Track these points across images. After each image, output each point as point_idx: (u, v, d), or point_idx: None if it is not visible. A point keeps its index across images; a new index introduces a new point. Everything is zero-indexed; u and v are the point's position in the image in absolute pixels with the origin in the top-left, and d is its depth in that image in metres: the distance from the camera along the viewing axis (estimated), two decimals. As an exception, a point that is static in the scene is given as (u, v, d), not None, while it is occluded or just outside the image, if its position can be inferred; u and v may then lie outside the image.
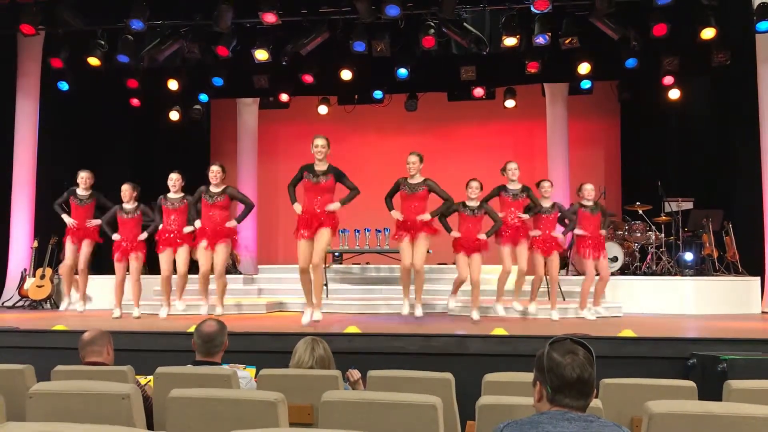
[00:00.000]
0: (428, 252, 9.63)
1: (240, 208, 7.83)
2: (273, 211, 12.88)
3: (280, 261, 12.48)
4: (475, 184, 7.48)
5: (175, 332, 6.15)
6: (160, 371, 3.62)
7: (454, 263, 7.84)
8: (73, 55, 9.83)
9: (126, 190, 8.02)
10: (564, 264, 10.22)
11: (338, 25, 9.50)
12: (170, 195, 7.89)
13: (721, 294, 8.79)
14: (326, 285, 9.65)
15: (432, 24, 9.19)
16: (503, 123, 13.24)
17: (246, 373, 3.99)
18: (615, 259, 9.37)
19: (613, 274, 8.83)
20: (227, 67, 10.67)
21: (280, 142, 13.68)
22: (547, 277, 7.89)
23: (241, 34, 9.61)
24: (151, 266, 8.99)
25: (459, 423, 3.53)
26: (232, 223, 7.54)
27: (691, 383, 3.58)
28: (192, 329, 4.07)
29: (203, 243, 7.47)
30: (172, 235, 7.76)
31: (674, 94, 11.11)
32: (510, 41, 9.12)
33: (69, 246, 8.23)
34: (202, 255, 7.50)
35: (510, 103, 12.46)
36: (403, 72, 10.44)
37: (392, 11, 8.53)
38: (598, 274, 7.85)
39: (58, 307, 9.36)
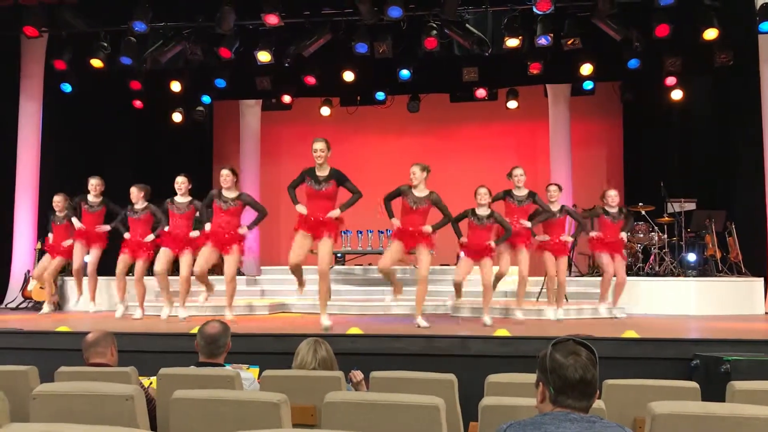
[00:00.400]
0: (431, 253, 9.67)
1: (251, 214, 7.72)
2: (276, 212, 12.84)
3: (283, 262, 12.39)
4: (483, 191, 7.27)
5: (178, 333, 6.16)
6: (164, 372, 3.63)
7: (455, 264, 7.78)
8: (76, 56, 9.85)
9: (134, 192, 8.03)
10: (567, 265, 10.23)
11: (340, 27, 9.51)
12: (177, 199, 7.77)
13: (724, 295, 8.78)
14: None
15: (434, 25, 9.20)
16: (505, 124, 13.24)
17: (249, 374, 3.99)
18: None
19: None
20: (230, 68, 10.68)
21: (283, 143, 13.70)
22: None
23: (243, 36, 9.62)
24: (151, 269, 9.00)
25: (462, 424, 3.53)
26: (243, 230, 7.34)
27: (694, 384, 3.57)
28: (195, 330, 4.08)
29: (208, 245, 7.30)
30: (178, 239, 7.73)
31: (677, 94, 11.10)
32: (512, 42, 9.13)
33: (77, 249, 8.29)
34: (202, 255, 7.32)
35: (512, 104, 12.46)
36: (405, 73, 10.45)
37: (394, 12, 8.53)
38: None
39: (61, 308, 9.39)
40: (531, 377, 2.27)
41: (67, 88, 10.60)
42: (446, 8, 8.66)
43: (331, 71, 10.75)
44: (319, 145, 6.60)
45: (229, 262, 7.35)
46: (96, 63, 9.65)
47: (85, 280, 8.45)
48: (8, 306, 9.86)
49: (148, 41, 9.78)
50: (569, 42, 9.13)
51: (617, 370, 4.22)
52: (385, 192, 7.24)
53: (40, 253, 9.71)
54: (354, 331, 6.03)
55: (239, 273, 11.01)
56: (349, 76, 10.71)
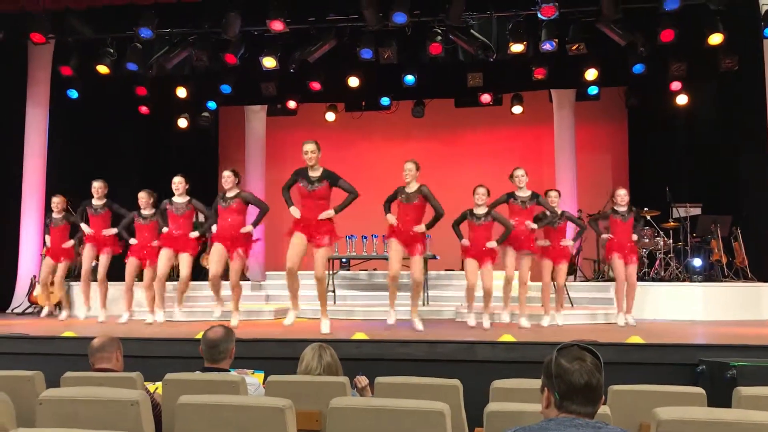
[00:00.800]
0: (435, 257, 9.67)
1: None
2: (280, 217, 12.88)
3: (288, 267, 12.48)
4: (481, 191, 7.38)
5: (183, 339, 6.16)
6: (169, 378, 3.64)
7: (462, 269, 7.79)
8: (82, 63, 9.90)
9: (142, 197, 8.07)
10: (572, 270, 10.21)
11: (345, 33, 9.53)
12: (175, 199, 7.79)
13: (730, 300, 8.75)
14: (333, 291, 9.70)
15: (439, 31, 9.22)
16: (510, 129, 13.24)
17: (254, 379, 4.00)
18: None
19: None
20: (235, 74, 10.71)
21: (288, 148, 13.71)
22: (554, 283, 7.88)
23: (249, 42, 9.66)
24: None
25: (467, 430, 3.52)
26: (247, 228, 7.31)
27: (700, 390, 3.56)
28: (200, 336, 4.09)
29: (217, 246, 7.29)
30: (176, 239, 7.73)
31: (682, 99, 11.08)
32: (517, 48, 9.13)
33: (86, 253, 8.35)
34: (215, 257, 7.33)
35: (517, 109, 12.46)
36: (410, 79, 10.46)
37: (399, 18, 8.55)
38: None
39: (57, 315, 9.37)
40: (536, 383, 2.27)
41: (73, 94, 10.66)
42: (451, 14, 8.69)
43: (336, 77, 10.77)
44: (309, 147, 6.66)
45: (235, 267, 7.36)
46: (102, 69, 9.69)
47: (94, 286, 8.48)
48: (14, 311, 9.89)
49: (154, 47, 9.86)
50: (574, 47, 9.13)
51: (622, 376, 4.20)
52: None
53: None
54: (359, 336, 6.03)
55: (245, 278, 11.06)
56: (354, 81, 10.73)
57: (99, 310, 8.41)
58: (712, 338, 6.65)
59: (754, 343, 5.67)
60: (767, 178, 9.05)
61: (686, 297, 8.84)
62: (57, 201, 8.64)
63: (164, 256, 7.68)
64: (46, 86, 10.54)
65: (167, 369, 3.90)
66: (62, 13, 8.79)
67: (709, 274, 9.57)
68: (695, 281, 9.28)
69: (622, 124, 12.96)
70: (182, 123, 12.41)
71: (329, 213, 6.65)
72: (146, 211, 8.04)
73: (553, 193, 7.87)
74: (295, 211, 6.70)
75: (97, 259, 8.39)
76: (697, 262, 9.63)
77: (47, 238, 8.75)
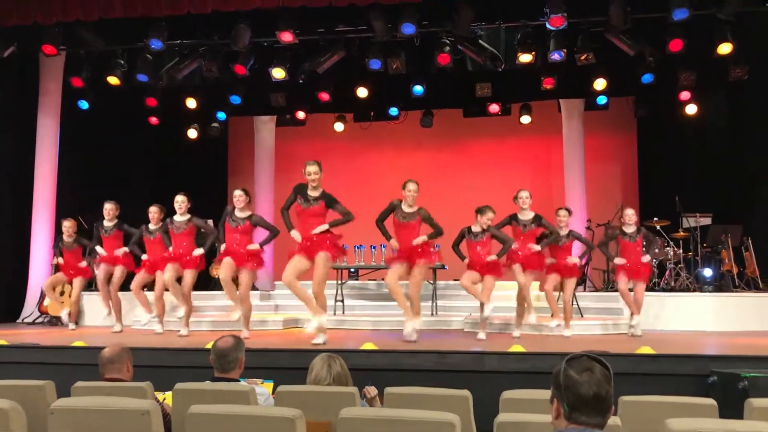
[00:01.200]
0: (444, 267, 9.66)
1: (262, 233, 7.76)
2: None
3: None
4: (491, 215, 7.28)
5: (193, 348, 6.18)
6: (179, 387, 3.64)
7: (457, 279, 7.78)
8: (93, 74, 9.98)
9: (153, 211, 8.16)
10: (582, 281, 10.18)
11: (354, 44, 9.58)
12: (176, 218, 7.88)
13: (741, 310, 8.69)
14: (342, 301, 9.70)
15: (447, 41, 9.24)
16: (519, 139, 13.24)
17: (264, 389, 4.00)
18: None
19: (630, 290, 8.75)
20: (245, 85, 10.78)
21: (297, 158, 13.69)
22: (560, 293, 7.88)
23: (258, 53, 9.72)
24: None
25: (477, 440, 3.52)
26: (254, 246, 7.36)
27: (711, 401, 3.54)
28: (210, 345, 4.10)
29: (227, 259, 7.32)
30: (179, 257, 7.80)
31: (691, 109, 11.05)
32: (525, 58, 9.14)
33: (101, 270, 8.45)
34: (225, 269, 7.33)
35: (526, 119, 12.46)
36: (418, 89, 10.49)
37: (408, 29, 8.58)
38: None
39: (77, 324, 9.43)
40: (546, 393, 2.26)
41: (84, 105, 10.76)
42: (459, 24, 8.71)
43: (344, 87, 10.82)
44: (312, 168, 6.73)
45: (242, 282, 7.39)
46: (113, 80, 9.76)
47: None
48: (25, 321, 9.94)
49: (165, 59, 9.93)
50: (582, 57, 9.13)
51: (633, 387, 4.19)
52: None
53: (56, 269, 9.81)
54: (368, 346, 6.03)
55: (254, 288, 11.07)
56: (362, 92, 10.76)
57: (114, 322, 8.51)
58: (723, 349, 6.60)
59: (766, 354, 5.63)
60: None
61: (697, 307, 8.79)
62: (68, 225, 8.71)
63: (169, 270, 7.74)
64: (57, 97, 10.62)
65: (177, 378, 3.91)
66: (73, 25, 8.87)
67: (720, 285, 9.51)
68: (706, 291, 9.23)
69: (631, 134, 12.92)
70: (192, 133, 12.50)
71: (323, 227, 6.69)
72: (153, 226, 8.14)
73: (562, 212, 7.83)
74: (296, 235, 6.74)
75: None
76: (708, 272, 9.58)
77: (57, 260, 8.87)
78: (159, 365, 5.73)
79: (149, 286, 8.36)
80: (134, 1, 8.23)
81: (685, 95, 10.78)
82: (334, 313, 9.45)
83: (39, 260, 10.33)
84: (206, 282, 10.69)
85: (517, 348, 5.93)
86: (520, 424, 2.87)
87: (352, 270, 10.65)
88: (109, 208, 8.43)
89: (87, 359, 5.60)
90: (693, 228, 9.87)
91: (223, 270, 7.37)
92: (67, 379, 4.02)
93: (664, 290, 9.51)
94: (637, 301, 7.71)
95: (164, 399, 4.07)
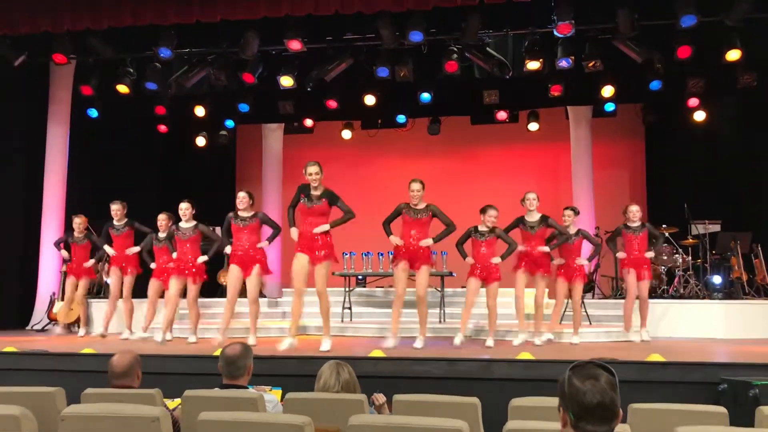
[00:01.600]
0: (452, 274, 9.64)
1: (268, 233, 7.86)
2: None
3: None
4: (493, 213, 7.32)
5: (201, 356, 6.19)
6: (188, 394, 3.65)
7: (463, 287, 7.79)
8: (102, 82, 10.04)
9: (162, 219, 8.26)
10: (590, 287, 10.15)
11: (362, 52, 9.61)
12: (181, 224, 7.98)
13: (751, 318, 8.64)
14: (350, 308, 9.69)
15: (455, 49, 9.26)
16: (527, 146, 13.23)
17: (272, 396, 4.00)
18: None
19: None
20: (253, 93, 10.83)
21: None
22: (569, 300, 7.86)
23: (266, 61, 9.76)
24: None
25: (486, 448, 3.51)
26: (263, 244, 7.53)
27: (722, 409, 3.52)
28: (218, 353, 4.11)
29: (234, 268, 7.45)
30: (183, 265, 7.88)
31: (699, 116, 11.03)
32: (533, 65, 9.15)
33: (113, 278, 8.55)
34: (232, 280, 7.48)
35: (533, 126, 12.46)
36: (426, 96, 10.51)
37: (415, 37, 8.61)
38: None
39: (73, 332, 9.46)
40: (555, 401, 2.25)
41: (93, 113, 10.82)
42: (467, 32, 8.72)
43: (352, 95, 10.85)
44: (313, 169, 6.83)
45: (251, 284, 7.45)
46: (122, 88, 9.82)
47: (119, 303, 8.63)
48: (34, 328, 9.98)
49: (173, 67, 9.99)
50: (590, 64, 9.13)
51: (643, 394, 4.17)
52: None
53: (65, 276, 9.86)
54: (376, 353, 6.02)
55: (261, 295, 11.08)
56: (370, 99, 10.79)
57: (124, 329, 8.55)
58: (733, 356, 6.57)
59: (777, 362, 5.59)
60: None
61: (706, 315, 8.75)
62: (79, 221, 8.84)
63: (173, 286, 7.83)
64: (67, 105, 10.71)
65: (185, 385, 3.92)
66: (83, 34, 8.94)
67: (730, 292, 9.47)
68: (715, 299, 9.18)
69: (639, 141, 12.90)
70: (200, 141, 12.58)
71: (324, 227, 6.78)
72: (162, 234, 8.22)
73: (567, 212, 7.89)
74: (294, 233, 6.86)
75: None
76: (717, 279, 9.54)
77: (64, 253, 8.97)
78: (167, 372, 5.74)
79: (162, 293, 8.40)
80: (143, 9, 8.30)
81: (693, 102, 10.76)
82: (342, 321, 9.44)
83: (48, 268, 10.38)
84: (214, 289, 10.71)
85: (526, 355, 5.91)
86: (529, 432, 2.86)
87: (360, 277, 10.64)
88: (116, 208, 8.54)
89: (96, 366, 5.61)
90: (702, 235, 9.83)
91: (230, 289, 7.43)
92: (76, 386, 4.04)
93: (673, 297, 9.47)
94: (642, 300, 7.72)
95: (173, 406, 4.07)
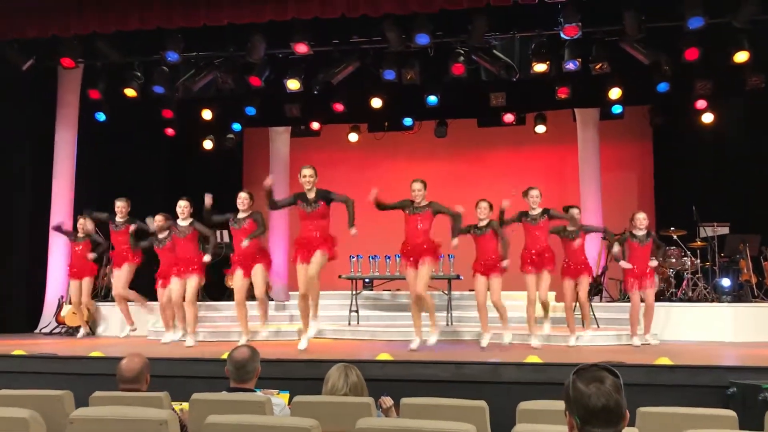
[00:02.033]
0: (459, 278, 9.63)
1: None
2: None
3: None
4: (483, 205, 7.47)
5: (208, 359, 6.20)
6: (196, 397, 3.66)
7: (473, 290, 7.79)
8: (110, 86, 10.10)
9: (159, 220, 8.31)
10: (598, 291, 10.11)
11: (369, 54, 9.62)
12: (179, 222, 8.00)
13: (760, 321, 8.59)
14: (357, 311, 9.68)
15: (461, 51, 9.26)
16: (534, 148, 13.20)
17: (280, 400, 4.00)
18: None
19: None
20: (260, 96, 10.85)
21: (311, 169, 13.79)
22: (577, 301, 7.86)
23: (273, 65, 9.79)
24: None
25: (494, 452, 3.50)
26: (244, 243, 7.46)
27: (731, 413, 3.50)
28: (225, 356, 4.11)
29: (238, 272, 7.51)
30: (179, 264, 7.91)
31: (707, 117, 10.98)
32: (540, 67, 9.14)
33: (116, 275, 8.62)
34: (237, 284, 7.51)
35: (540, 129, 12.43)
36: (432, 99, 10.50)
37: (422, 40, 8.61)
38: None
39: (93, 333, 9.52)
40: (562, 404, 2.24)
41: (101, 116, 10.87)
42: (473, 35, 8.72)
43: (359, 98, 10.86)
44: (308, 171, 6.93)
45: (257, 281, 7.53)
46: (129, 92, 9.87)
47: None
48: (42, 331, 10.01)
49: (180, 70, 10.02)
50: (597, 66, 9.11)
51: (651, 398, 4.15)
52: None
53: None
54: (383, 357, 6.02)
55: (269, 298, 11.09)
56: (377, 102, 10.80)
57: (123, 325, 8.58)
58: (742, 360, 6.53)
59: (787, 365, 5.56)
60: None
61: (715, 318, 8.70)
62: (83, 222, 8.85)
63: (174, 282, 7.87)
64: (75, 109, 10.74)
65: (192, 388, 3.92)
66: (91, 38, 8.98)
67: (739, 295, 9.41)
68: (724, 302, 9.13)
69: (647, 143, 12.84)
70: (207, 145, 12.61)
71: (353, 231, 6.82)
72: (161, 235, 8.23)
73: (573, 210, 7.88)
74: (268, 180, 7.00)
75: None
76: (726, 282, 9.48)
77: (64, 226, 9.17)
78: (175, 375, 5.75)
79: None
80: (150, 13, 8.34)
81: (701, 104, 10.72)
82: (349, 324, 9.44)
83: (56, 271, 10.40)
84: (221, 292, 10.72)
85: (534, 359, 5.90)
86: (537, 436, 2.85)
87: (367, 280, 10.63)
88: (120, 205, 8.57)
89: (104, 369, 5.63)
90: (710, 237, 9.78)
91: (237, 293, 7.50)
92: (85, 389, 4.04)
93: (681, 300, 9.42)
94: (648, 306, 7.70)
95: (181, 409, 4.07)
